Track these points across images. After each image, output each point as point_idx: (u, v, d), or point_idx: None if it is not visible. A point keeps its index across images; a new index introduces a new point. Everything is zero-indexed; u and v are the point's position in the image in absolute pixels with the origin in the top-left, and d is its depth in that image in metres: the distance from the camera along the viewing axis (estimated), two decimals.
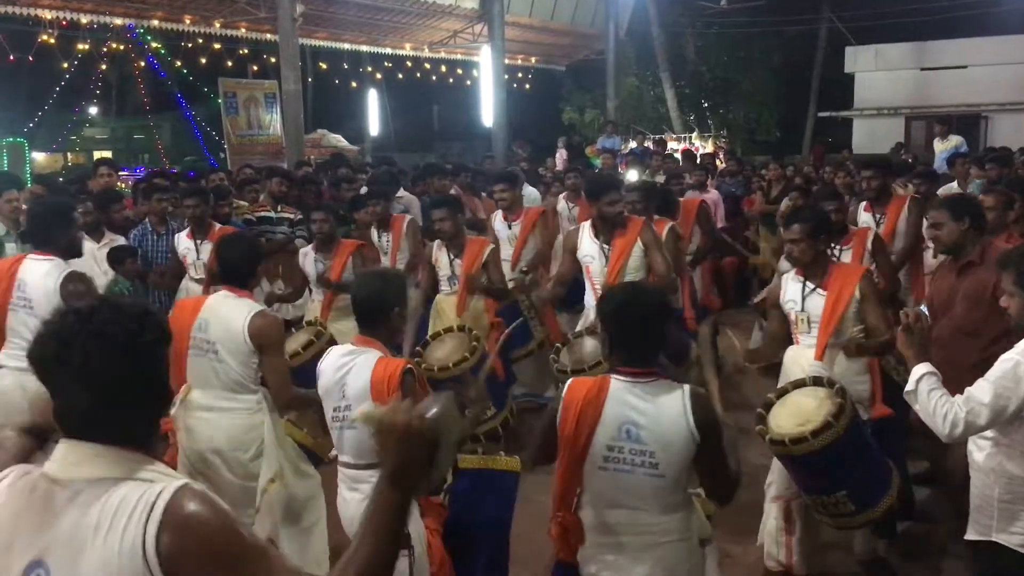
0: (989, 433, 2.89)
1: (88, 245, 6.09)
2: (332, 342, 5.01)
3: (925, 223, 6.16)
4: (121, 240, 6.28)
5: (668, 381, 2.77)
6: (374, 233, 6.80)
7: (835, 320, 4.04)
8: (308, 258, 6.11)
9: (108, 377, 1.53)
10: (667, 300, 2.93)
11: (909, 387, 2.96)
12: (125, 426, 1.57)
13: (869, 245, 5.18)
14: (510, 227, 6.82)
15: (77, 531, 1.49)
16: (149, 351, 1.59)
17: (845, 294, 4.05)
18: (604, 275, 4.97)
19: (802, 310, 4.14)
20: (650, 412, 2.68)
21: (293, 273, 6.91)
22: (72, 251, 4.29)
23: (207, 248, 6.10)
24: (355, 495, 3.31)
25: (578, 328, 4.98)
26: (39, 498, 1.53)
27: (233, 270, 3.94)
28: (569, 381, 2.93)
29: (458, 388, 2.90)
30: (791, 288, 4.22)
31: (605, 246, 5.09)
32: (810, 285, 4.14)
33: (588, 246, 5.20)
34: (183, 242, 6.30)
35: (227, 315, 3.82)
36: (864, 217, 6.14)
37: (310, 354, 4.75)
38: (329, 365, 3.37)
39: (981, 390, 2.80)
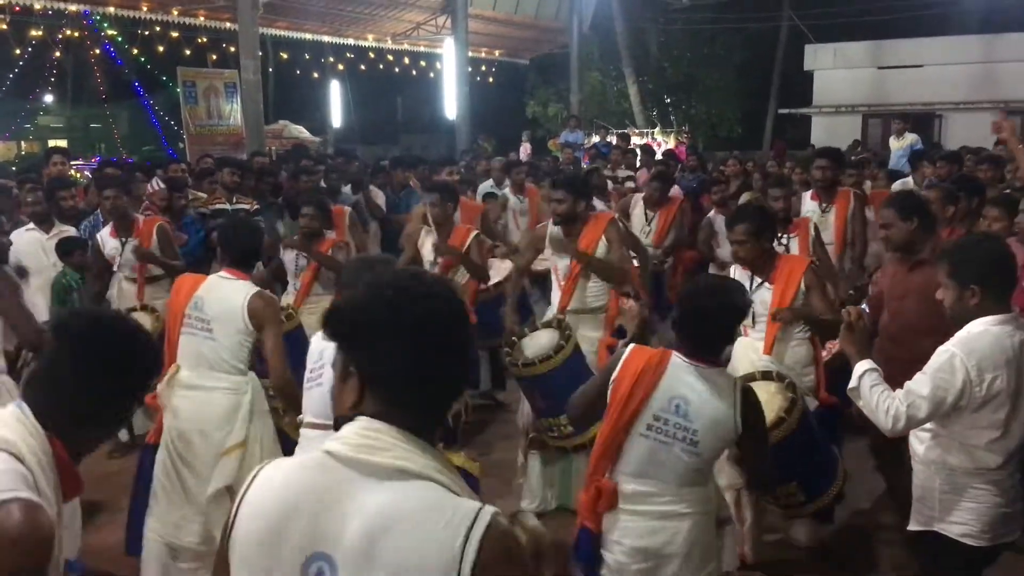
0: (929, 426, 2.96)
1: (37, 235, 5.98)
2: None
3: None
4: (71, 231, 6.13)
5: (725, 370, 2.94)
6: None
7: None
8: (291, 251, 6.01)
9: (436, 348, 1.46)
10: (746, 302, 3.08)
11: (852, 384, 3.02)
12: (429, 409, 1.50)
13: (812, 232, 5.35)
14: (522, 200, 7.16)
15: (375, 520, 1.38)
16: (468, 329, 1.54)
17: (791, 287, 4.14)
18: (568, 273, 4.98)
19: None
20: (703, 393, 2.82)
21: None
22: None
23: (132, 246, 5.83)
24: None
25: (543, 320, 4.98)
26: (332, 479, 1.42)
27: (237, 253, 3.97)
28: (631, 347, 3.03)
29: None
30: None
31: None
32: (757, 280, 4.21)
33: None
34: (108, 242, 5.89)
35: (226, 294, 3.83)
36: (810, 205, 6.26)
37: (291, 326, 4.76)
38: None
39: (919, 383, 2.86)
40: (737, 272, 4.34)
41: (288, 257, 6.02)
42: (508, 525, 1.45)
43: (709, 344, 2.91)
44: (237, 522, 1.46)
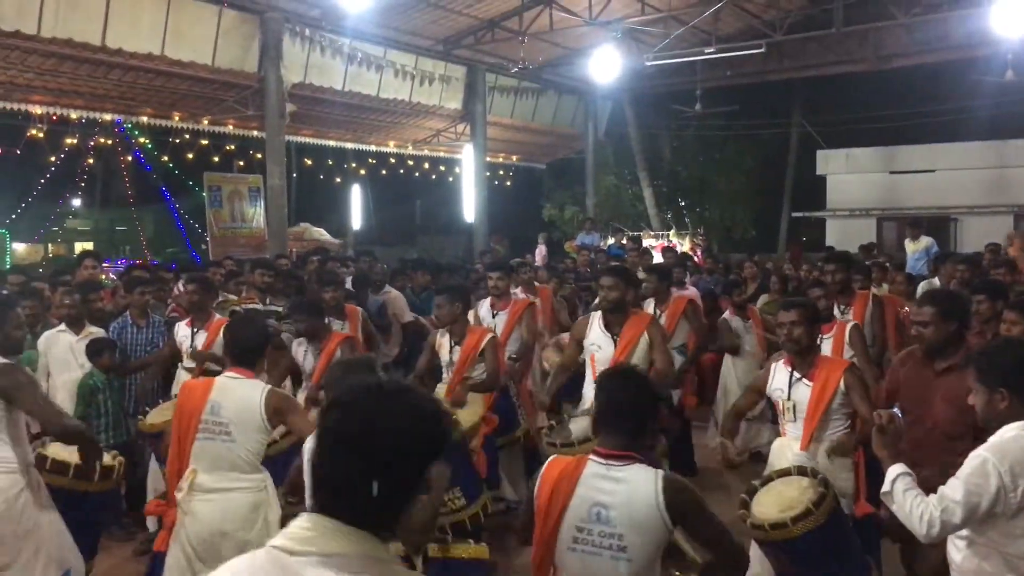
0: (965, 533, 2.91)
1: (68, 337, 6.07)
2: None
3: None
4: (101, 333, 6.24)
5: (644, 465, 2.74)
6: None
7: (820, 411, 4.11)
8: (301, 348, 5.97)
9: (374, 459, 1.57)
10: (655, 390, 2.96)
11: (885, 488, 3.00)
12: (372, 508, 1.60)
13: (847, 337, 5.37)
14: (495, 316, 6.91)
15: None
16: (420, 442, 1.64)
17: (830, 385, 4.12)
18: (608, 363, 5.11)
19: (788, 398, 4.21)
20: (621, 495, 2.67)
21: (276, 366, 6.84)
22: (9, 347, 3.97)
23: (202, 338, 6.01)
24: None
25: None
26: (289, 571, 1.54)
27: (245, 351, 4.01)
28: (551, 458, 2.96)
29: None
30: (779, 376, 4.31)
31: (614, 336, 5.27)
32: (797, 375, 4.21)
33: (597, 335, 5.36)
34: (181, 330, 6.21)
35: (241, 395, 3.91)
36: None
37: (287, 443, 4.74)
38: None
39: (953, 488, 2.83)
40: (776, 368, 4.35)
41: (300, 358, 5.95)
42: None
43: (621, 435, 2.75)
44: None
